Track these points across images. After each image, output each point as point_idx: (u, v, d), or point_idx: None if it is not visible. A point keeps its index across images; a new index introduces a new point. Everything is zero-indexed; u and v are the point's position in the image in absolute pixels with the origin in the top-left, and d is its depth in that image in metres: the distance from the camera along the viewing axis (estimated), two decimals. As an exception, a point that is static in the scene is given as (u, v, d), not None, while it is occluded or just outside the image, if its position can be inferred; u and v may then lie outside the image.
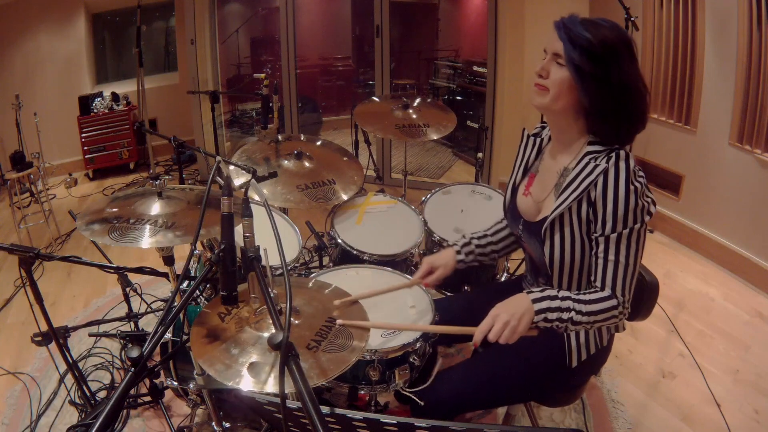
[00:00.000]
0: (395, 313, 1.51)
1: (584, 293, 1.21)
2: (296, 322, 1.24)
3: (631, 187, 1.15)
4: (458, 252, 1.55)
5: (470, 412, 1.83)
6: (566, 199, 1.22)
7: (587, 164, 1.21)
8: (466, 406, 1.45)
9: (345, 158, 2.13)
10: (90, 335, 2.37)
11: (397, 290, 1.56)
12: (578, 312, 1.18)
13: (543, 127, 1.46)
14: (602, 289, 1.21)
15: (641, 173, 1.19)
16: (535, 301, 1.19)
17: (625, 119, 1.20)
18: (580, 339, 1.37)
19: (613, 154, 1.18)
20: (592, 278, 1.23)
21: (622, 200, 1.15)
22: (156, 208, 1.51)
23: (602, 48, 1.14)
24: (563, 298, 1.20)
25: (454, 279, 2.03)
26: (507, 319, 1.17)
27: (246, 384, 1.04)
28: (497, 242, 1.58)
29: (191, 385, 1.61)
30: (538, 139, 1.44)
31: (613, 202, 1.16)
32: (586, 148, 1.24)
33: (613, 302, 1.19)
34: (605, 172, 1.17)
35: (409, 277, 1.68)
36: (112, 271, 1.81)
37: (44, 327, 1.55)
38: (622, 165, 1.17)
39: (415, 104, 2.54)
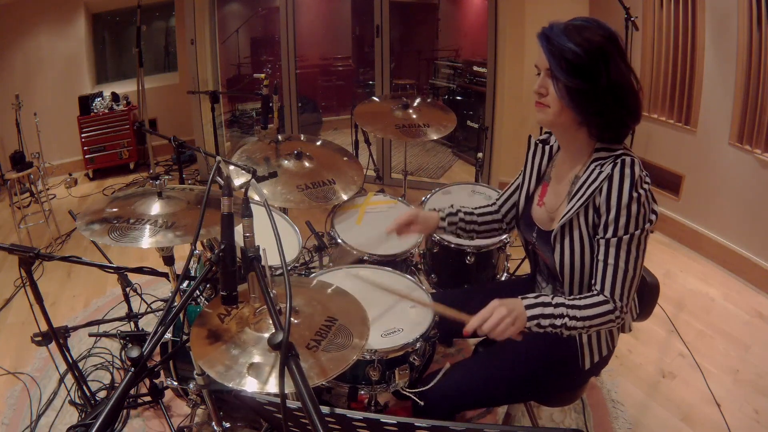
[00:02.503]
0: (395, 313, 1.51)
1: (579, 298, 1.21)
2: (296, 321, 1.24)
3: (634, 194, 1.15)
4: (442, 219, 1.55)
5: (470, 409, 1.83)
6: (573, 206, 1.23)
7: (593, 171, 1.22)
8: (465, 403, 1.45)
9: (345, 158, 2.13)
10: (90, 335, 2.37)
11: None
12: (572, 318, 1.18)
13: (550, 134, 1.45)
14: (600, 292, 1.21)
15: (648, 180, 1.19)
16: (528, 307, 1.20)
17: (618, 120, 1.20)
18: (593, 341, 1.37)
19: (619, 161, 1.18)
20: (592, 281, 1.24)
21: (625, 206, 1.16)
22: (156, 208, 1.51)
23: (589, 55, 1.12)
24: (557, 305, 1.20)
25: (454, 279, 2.05)
26: (505, 313, 1.16)
27: (246, 385, 1.04)
28: (480, 224, 1.59)
29: (191, 385, 1.61)
30: (548, 147, 1.43)
31: (616, 208, 1.16)
32: (594, 155, 1.24)
33: (608, 307, 1.19)
34: (609, 178, 1.17)
35: (408, 277, 1.69)
36: (112, 271, 1.81)
37: (44, 327, 1.55)
38: (627, 171, 1.16)
39: (415, 104, 2.54)
